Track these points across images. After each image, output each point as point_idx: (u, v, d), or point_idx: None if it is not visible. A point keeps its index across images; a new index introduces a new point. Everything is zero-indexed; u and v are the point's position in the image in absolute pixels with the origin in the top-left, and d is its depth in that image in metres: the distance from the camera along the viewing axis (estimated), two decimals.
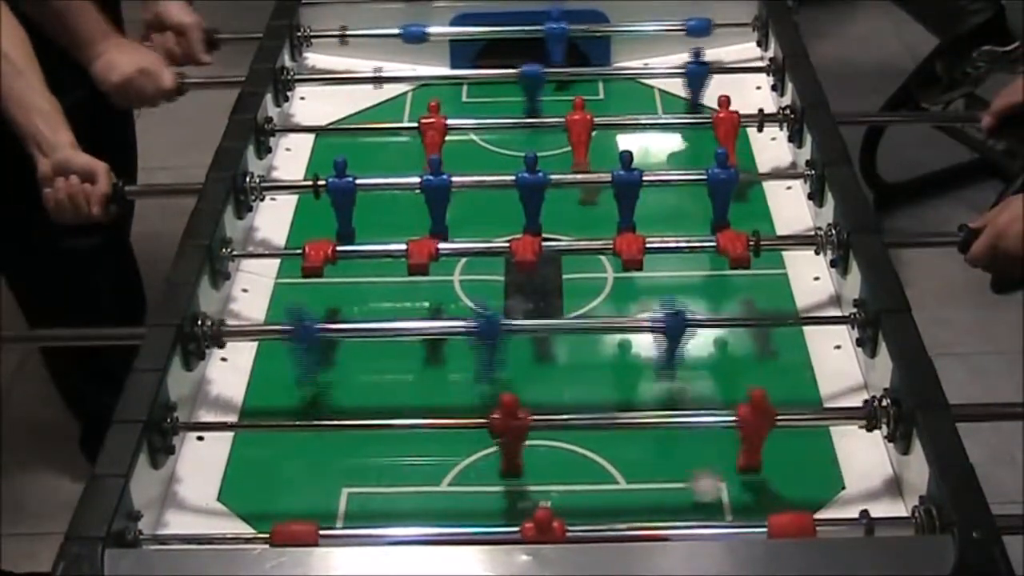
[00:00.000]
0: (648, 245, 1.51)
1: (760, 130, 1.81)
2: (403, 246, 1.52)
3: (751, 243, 1.50)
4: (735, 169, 1.62)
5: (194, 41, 2.02)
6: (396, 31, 2.06)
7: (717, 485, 1.33)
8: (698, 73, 1.93)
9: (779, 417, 1.32)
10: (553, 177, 1.63)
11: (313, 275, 1.52)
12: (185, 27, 2.01)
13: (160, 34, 2.02)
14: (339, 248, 1.53)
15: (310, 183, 1.64)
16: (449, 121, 1.78)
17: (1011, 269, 1.53)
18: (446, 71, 2.11)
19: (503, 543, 1.14)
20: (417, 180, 1.62)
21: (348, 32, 2.09)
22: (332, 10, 2.12)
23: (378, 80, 2.06)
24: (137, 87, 1.91)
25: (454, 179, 1.62)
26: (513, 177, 1.62)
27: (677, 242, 1.57)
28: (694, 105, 1.94)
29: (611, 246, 1.52)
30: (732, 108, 1.77)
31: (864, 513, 1.20)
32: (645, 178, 1.62)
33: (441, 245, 1.53)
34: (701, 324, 1.54)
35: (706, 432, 1.37)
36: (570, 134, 1.77)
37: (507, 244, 1.52)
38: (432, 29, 2.08)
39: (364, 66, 2.11)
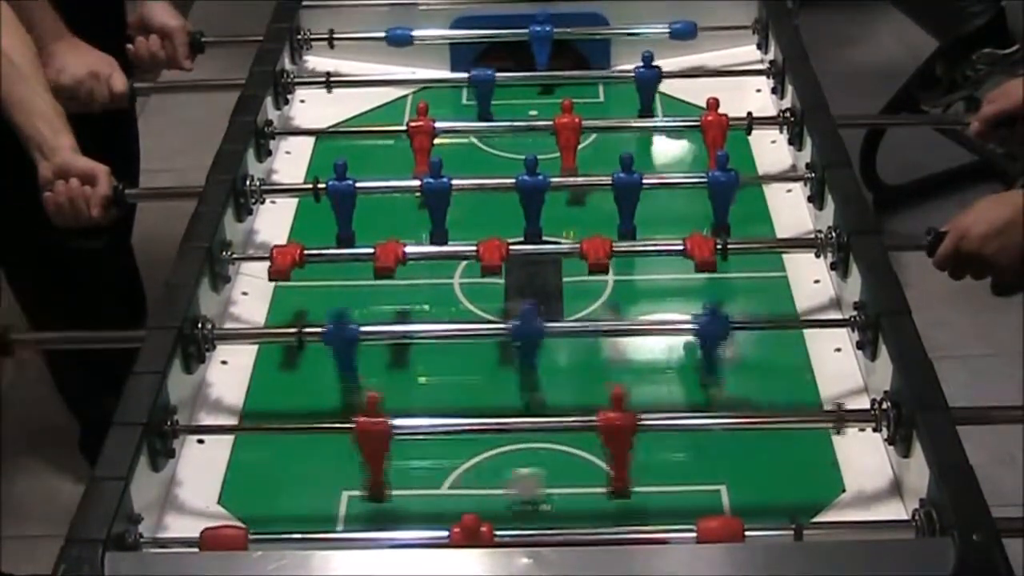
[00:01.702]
0: (616, 249, 1.51)
1: (748, 133, 1.81)
2: (371, 249, 1.52)
3: (718, 247, 1.51)
4: (735, 172, 1.62)
5: (178, 44, 2.01)
6: (383, 34, 2.07)
7: (538, 486, 1.32)
8: (648, 78, 1.92)
9: (780, 418, 1.33)
10: (553, 180, 1.63)
11: (279, 279, 1.53)
12: (170, 30, 2.00)
13: (144, 37, 2.01)
14: (306, 252, 1.54)
15: (310, 186, 1.64)
16: (438, 124, 1.78)
17: (974, 272, 1.53)
18: (446, 74, 2.11)
19: (504, 546, 1.15)
20: (417, 183, 1.62)
21: (348, 34, 2.09)
22: (332, 13, 2.12)
23: (378, 83, 2.06)
24: (87, 90, 1.89)
25: (454, 182, 1.62)
26: (513, 180, 1.62)
27: (644, 245, 1.58)
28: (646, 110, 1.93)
29: (578, 249, 1.52)
30: (722, 111, 1.77)
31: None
32: (645, 181, 1.62)
33: (408, 248, 1.52)
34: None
35: (705, 435, 1.37)
36: (558, 137, 1.77)
37: (475, 248, 1.52)
38: (431, 32, 2.08)
39: (364, 69, 2.11)
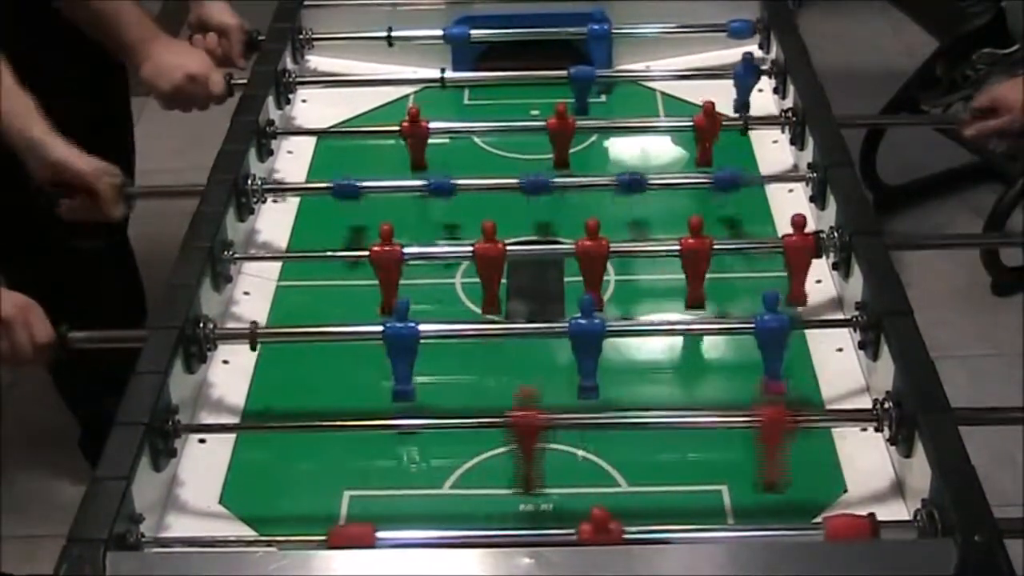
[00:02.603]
0: (612, 249, 1.51)
1: (743, 134, 1.81)
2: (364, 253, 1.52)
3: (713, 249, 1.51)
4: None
5: (234, 43, 2.01)
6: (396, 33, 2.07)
7: None
8: (747, 75, 1.91)
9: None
10: (557, 180, 1.63)
11: None
12: (227, 28, 2.01)
13: (202, 35, 2.02)
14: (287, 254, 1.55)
15: (316, 185, 1.64)
16: (432, 125, 1.78)
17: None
18: (448, 74, 2.11)
19: (506, 546, 1.14)
20: (422, 183, 1.62)
21: (349, 34, 2.09)
22: (334, 13, 2.12)
23: (380, 83, 2.06)
24: (187, 94, 1.88)
25: (458, 182, 1.62)
26: (517, 180, 1.62)
27: (641, 246, 1.60)
28: (741, 105, 1.92)
29: (573, 250, 1.52)
30: (725, 110, 1.77)
31: None
32: (651, 181, 1.63)
33: (406, 250, 1.52)
34: (702, 325, 1.55)
35: (708, 434, 1.37)
36: (552, 139, 1.77)
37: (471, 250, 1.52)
38: (431, 31, 2.09)
39: (366, 69, 2.11)
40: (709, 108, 1.76)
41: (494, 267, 1.49)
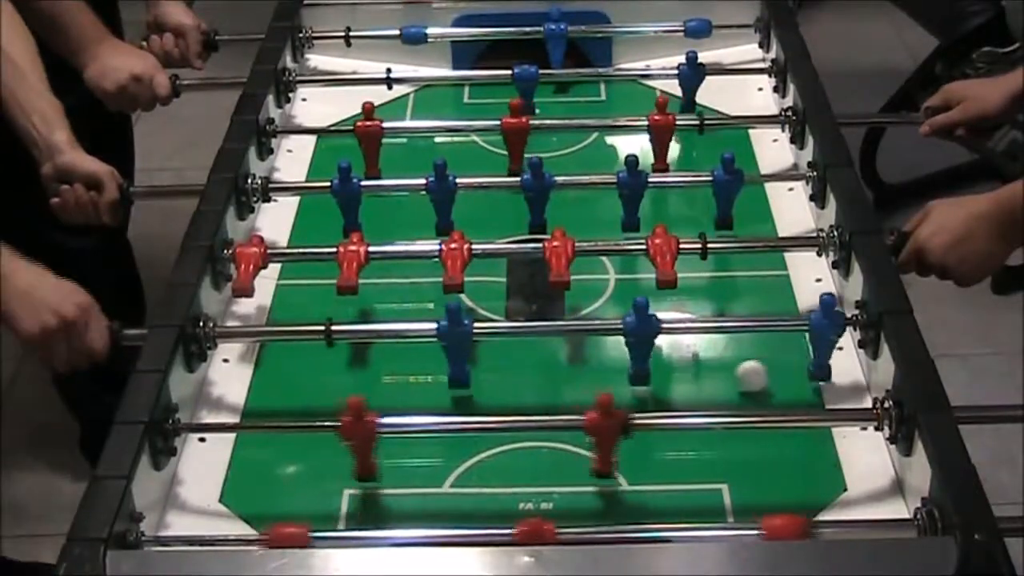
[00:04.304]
0: (578, 248, 1.51)
1: (700, 132, 1.81)
2: (333, 249, 1.53)
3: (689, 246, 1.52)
4: (741, 171, 1.63)
5: (191, 43, 2.01)
6: (395, 32, 2.07)
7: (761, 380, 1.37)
8: (691, 76, 1.91)
9: (782, 417, 1.33)
10: (559, 179, 1.63)
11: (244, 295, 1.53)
12: (184, 29, 2.01)
13: (159, 36, 2.02)
14: (270, 251, 1.55)
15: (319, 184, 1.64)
16: (386, 125, 1.78)
17: (937, 275, 1.54)
18: (448, 72, 2.11)
19: (505, 545, 1.14)
20: (423, 181, 1.62)
21: (350, 33, 2.09)
22: (334, 11, 2.12)
23: (380, 81, 2.06)
24: (132, 94, 1.90)
25: (459, 180, 1.62)
26: (519, 179, 1.63)
27: (607, 246, 1.59)
28: (687, 106, 1.93)
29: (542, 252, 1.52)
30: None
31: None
32: (650, 180, 1.63)
33: (372, 248, 1.53)
34: (702, 326, 1.55)
35: (708, 433, 1.37)
36: (506, 139, 1.76)
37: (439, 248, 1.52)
38: (433, 31, 2.08)
39: (366, 67, 2.11)
40: (662, 103, 1.76)
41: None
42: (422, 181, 1.63)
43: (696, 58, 1.88)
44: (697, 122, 1.81)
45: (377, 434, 1.30)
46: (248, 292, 1.51)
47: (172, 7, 2.03)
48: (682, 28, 2.06)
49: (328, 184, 1.64)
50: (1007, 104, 1.75)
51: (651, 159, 1.77)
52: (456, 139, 1.87)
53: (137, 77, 1.89)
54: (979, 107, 1.76)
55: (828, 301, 1.39)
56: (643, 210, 1.64)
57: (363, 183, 1.64)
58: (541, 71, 1.92)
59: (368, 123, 1.76)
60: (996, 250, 1.52)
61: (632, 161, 1.62)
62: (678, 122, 1.77)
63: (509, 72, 1.91)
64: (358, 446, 1.30)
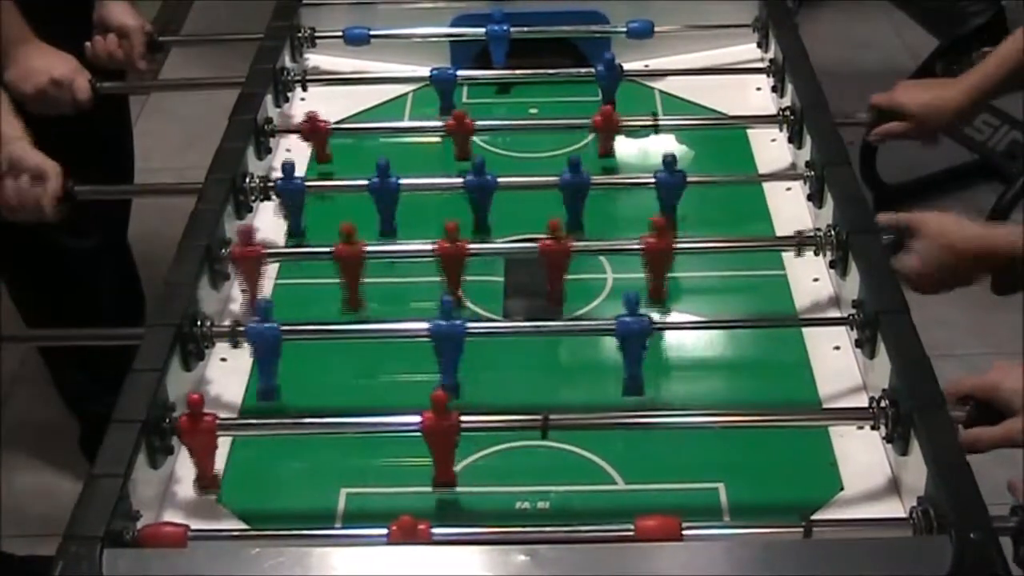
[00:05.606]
0: (573, 248, 1.52)
1: (656, 132, 1.82)
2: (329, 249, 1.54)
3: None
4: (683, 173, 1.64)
5: (135, 44, 2.01)
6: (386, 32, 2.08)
7: None
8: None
9: (779, 416, 1.33)
10: (595, 179, 1.65)
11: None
12: (128, 30, 2.01)
13: (103, 36, 2.01)
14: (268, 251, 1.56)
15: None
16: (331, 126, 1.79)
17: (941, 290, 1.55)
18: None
19: (502, 543, 1.15)
20: (460, 180, 1.65)
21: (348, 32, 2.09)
22: (333, 11, 2.12)
23: (379, 81, 2.06)
24: (51, 97, 1.89)
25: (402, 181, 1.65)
26: (556, 178, 1.64)
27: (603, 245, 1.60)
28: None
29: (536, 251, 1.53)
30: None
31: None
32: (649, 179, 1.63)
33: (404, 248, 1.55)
34: (701, 325, 1.55)
35: (704, 432, 1.37)
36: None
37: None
38: (431, 30, 2.09)
39: (365, 67, 2.11)
40: (607, 110, 1.77)
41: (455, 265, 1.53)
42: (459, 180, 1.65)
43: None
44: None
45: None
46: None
47: (116, 7, 2.02)
48: (681, 28, 2.06)
49: (366, 183, 1.65)
50: (968, 108, 1.76)
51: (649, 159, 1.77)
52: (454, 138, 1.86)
53: (57, 81, 1.88)
54: (935, 121, 1.77)
55: (632, 298, 1.38)
56: (624, 210, 1.64)
57: (362, 183, 1.64)
58: (538, 71, 1.94)
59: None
60: (976, 281, 1.54)
61: (575, 161, 1.63)
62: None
63: (509, 72, 1.92)
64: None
